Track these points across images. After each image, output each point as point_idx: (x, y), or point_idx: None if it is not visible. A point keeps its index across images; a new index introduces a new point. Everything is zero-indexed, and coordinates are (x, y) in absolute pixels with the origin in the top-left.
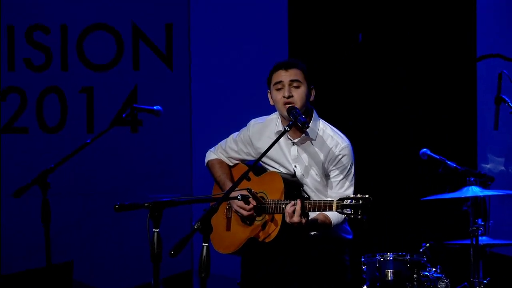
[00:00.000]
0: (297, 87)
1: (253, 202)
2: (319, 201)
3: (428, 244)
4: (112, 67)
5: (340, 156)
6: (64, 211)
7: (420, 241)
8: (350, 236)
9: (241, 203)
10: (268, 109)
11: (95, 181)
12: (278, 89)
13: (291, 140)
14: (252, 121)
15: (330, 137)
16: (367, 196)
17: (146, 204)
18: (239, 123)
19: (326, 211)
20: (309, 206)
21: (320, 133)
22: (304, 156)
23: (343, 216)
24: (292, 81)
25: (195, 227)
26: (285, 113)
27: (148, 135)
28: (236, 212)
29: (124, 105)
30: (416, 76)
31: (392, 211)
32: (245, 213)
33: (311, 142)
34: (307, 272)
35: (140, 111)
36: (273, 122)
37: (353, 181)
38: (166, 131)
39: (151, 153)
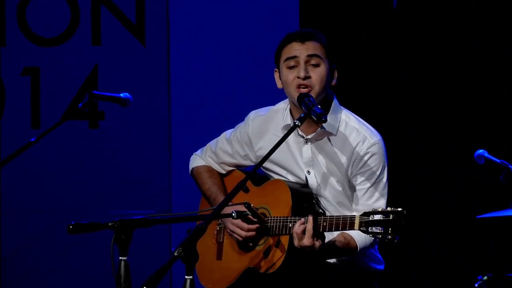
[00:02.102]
0: (317, 65)
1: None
2: (337, 218)
3: (485, 277)
4: (64, 41)
5: (367, 156)
6: (6, 233)
7: (475, 273)
8: (381, 267)
9: (237, 222)
10: (274, 98)
11: (42, 194)
12: (290, 67)
13: (303, 137)
14: (252, 114)
15: (355, 131)
16: (399, 209)
17: (110, 224)
18: (233, 118)
19: (345, 230)
20: (324, 224)
21: (342, 126)
22: (321, 158)
23: (372, 238)
24: (310, 56)
25: (175, 254)
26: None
27: (112, 132)
28: (231, 234)
29: (80, 92)
30: (464, 66)
31: (437, 231)
32: (243, 233)
33: (329, 139)
34: None
35: (101, 99)
36: (280, 114)
37: (385, 191)
38: (137, 126)
39: (116, 156)
